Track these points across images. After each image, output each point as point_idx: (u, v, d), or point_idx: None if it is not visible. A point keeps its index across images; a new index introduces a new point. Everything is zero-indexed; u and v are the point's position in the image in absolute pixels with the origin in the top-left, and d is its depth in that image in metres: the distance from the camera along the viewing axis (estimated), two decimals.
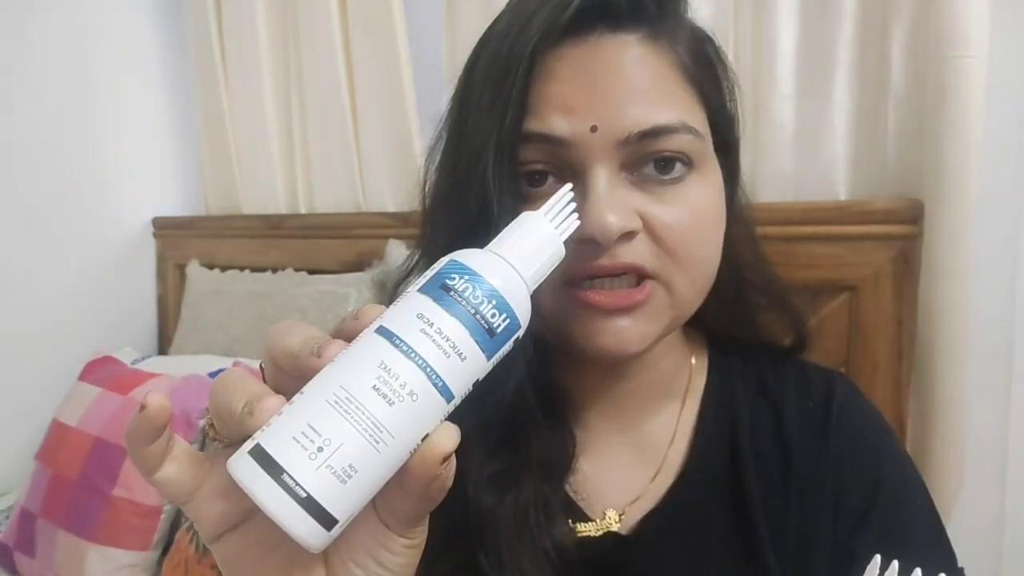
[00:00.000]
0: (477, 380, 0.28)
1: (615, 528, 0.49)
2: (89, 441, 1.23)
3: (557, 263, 0.32)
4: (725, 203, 0.47)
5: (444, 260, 0.29)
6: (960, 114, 0.85)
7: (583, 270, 0.42)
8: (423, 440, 0.27)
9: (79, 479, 1.20)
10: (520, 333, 0.29)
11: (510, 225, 0.32)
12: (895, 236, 0.91)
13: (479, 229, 0.38)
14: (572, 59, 0.43)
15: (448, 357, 0.26)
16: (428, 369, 0.26)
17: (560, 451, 0.48)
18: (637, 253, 0.42)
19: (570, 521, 0.48)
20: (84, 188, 1.65)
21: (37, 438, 1.34)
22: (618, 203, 0.41)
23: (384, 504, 0.29)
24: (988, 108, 0.85)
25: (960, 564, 0.48)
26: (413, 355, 0.26)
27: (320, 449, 0.25)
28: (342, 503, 0.25)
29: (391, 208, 1.42)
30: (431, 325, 0.26)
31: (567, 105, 0.42)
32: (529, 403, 0.44)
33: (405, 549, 0.30)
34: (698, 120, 0.45)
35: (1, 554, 1.31)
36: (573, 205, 0.33)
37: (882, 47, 0.94)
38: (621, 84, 0.42)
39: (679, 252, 0.43)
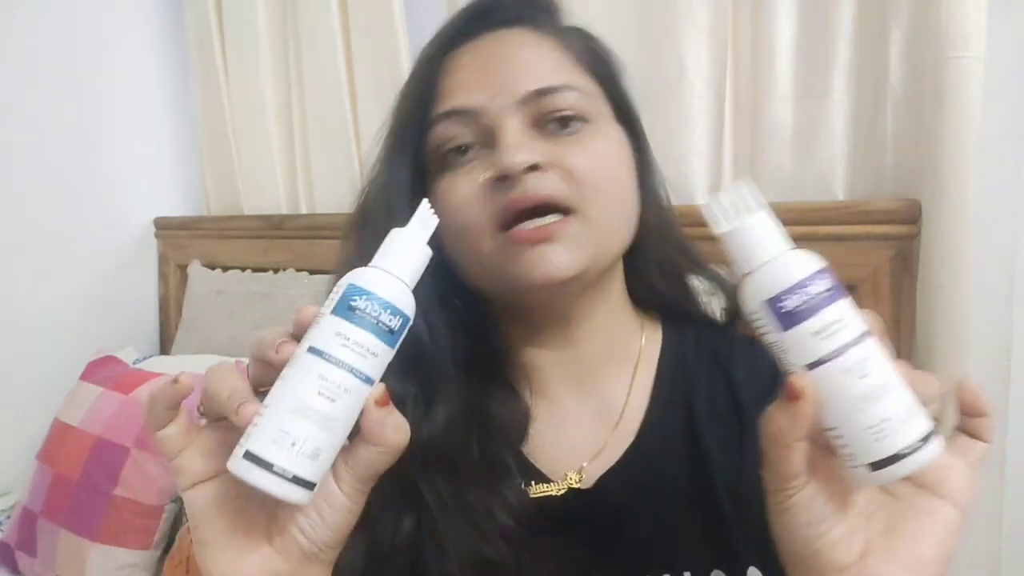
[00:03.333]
0: (388, 363, 0.38)
1: (576, 485, 0.52)
2: (91, 441, 1.23)
3: (427, 261, 0.40)
4: (637, 172, 0.54)
5: (344, 283, 0.37)
6: (958, 114, 0.85)
7: (507, 205, 0.47)
8: (362, 412, 0.37)
9: (80, 479, 1.21)
10: (410, 323, 0.38)
11: (385, 241, 0.40)
12: (893, 236, 0.91)
13: (384, 199, 0.51)
14: (473, 50, 0.52)
15: (364, 358, 0.36)
16: (353, 370, 0.36)
17: (515, 417, 0.53)
18: (548, 185, 0.48)
19: (532, 483, 0.52)
20: (86, 189, 1.66)
21: (39, 438, 1.35)
22: (524, 144, 0.48)
23: (354, 461, 0.38)
24: (986, 108, 0.85)
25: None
26: (340, 364, 0.35)
27: (293, 444, 0.35)
28: (316, 472, 0.36)
29: None
30: (348, 339, 0.36)
31: (469, 85, 0.50)
32: (424, 339, 0.50)
33: (343, 505, 0.39)
34: (585, 84, 0.52)
35: (3, 553, 1.31)
36: (432, 211, 0.40)
37: (880, 48, 0.94)
38: (513, 60, 0.51)
39: (589, 182, 0.48)
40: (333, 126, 1.49)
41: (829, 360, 0.34)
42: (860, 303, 0.35)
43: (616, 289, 0.56)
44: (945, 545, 0.35)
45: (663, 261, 0.58)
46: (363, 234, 0.53)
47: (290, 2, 1.55)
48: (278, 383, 0.36)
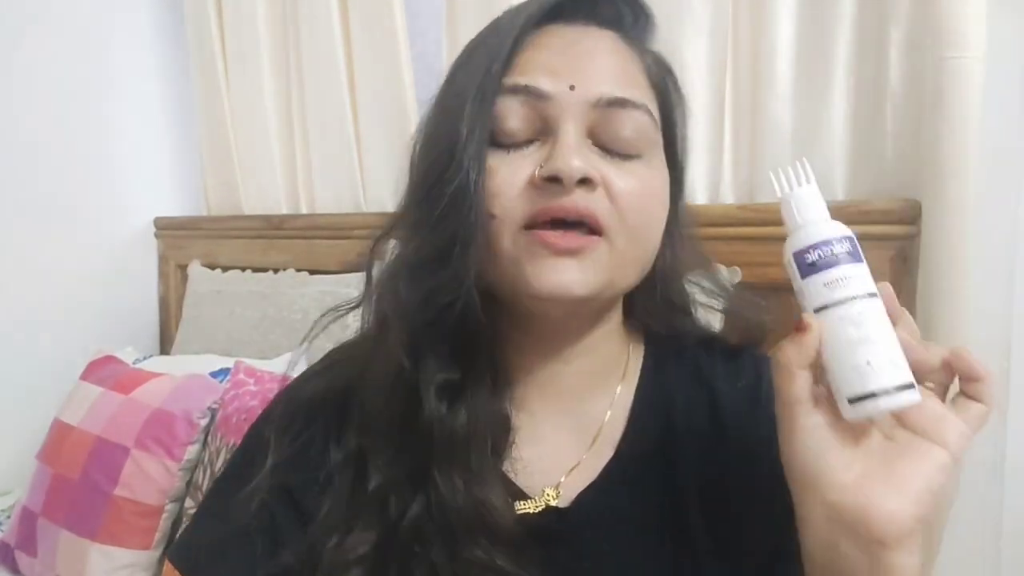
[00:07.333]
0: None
1: (554, 503, 0.52)
2: (91, 440, 1.23)
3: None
4: (669, 204, 0.53)
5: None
6: (958, 114, 0.85)
7: (546, 210, 0.46)
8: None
9: (80, 478, 1.21)
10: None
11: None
12: (893, 236, 0.91)
13: (445, 173, 0.46)
14: (559, 35, 0.50)
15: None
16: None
17: (499, 427, 0.52)
18: (595, 204, 0.47)
19: (510, 499, 0.51)
20: (86, 189, 1.66)
21: (39, 438, 1.35)
22: (582, 151, 0.47)
23: None
24: (985, 108, 0.85)
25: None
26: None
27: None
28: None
29: (391, 208, 1.41)
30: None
31: (553, 68, 0.48)
32: (478, 318, 0.48)
33: None
34: (654, 111, 0.51)
35: (3, 553, 1.31)
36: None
37: (880, 48, 0.94)
38: (599, 62, 0.49)
39: (629, 215, 0.48)
40: (333, 126, 1.50)
41: (832, 307, 0.41)
42: None
43: (615, 315, 0.56)
44: (933, 479, 0.38)
45: (665, 298, 0.58)
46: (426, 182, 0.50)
47: (290, 2, 1.55)
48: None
